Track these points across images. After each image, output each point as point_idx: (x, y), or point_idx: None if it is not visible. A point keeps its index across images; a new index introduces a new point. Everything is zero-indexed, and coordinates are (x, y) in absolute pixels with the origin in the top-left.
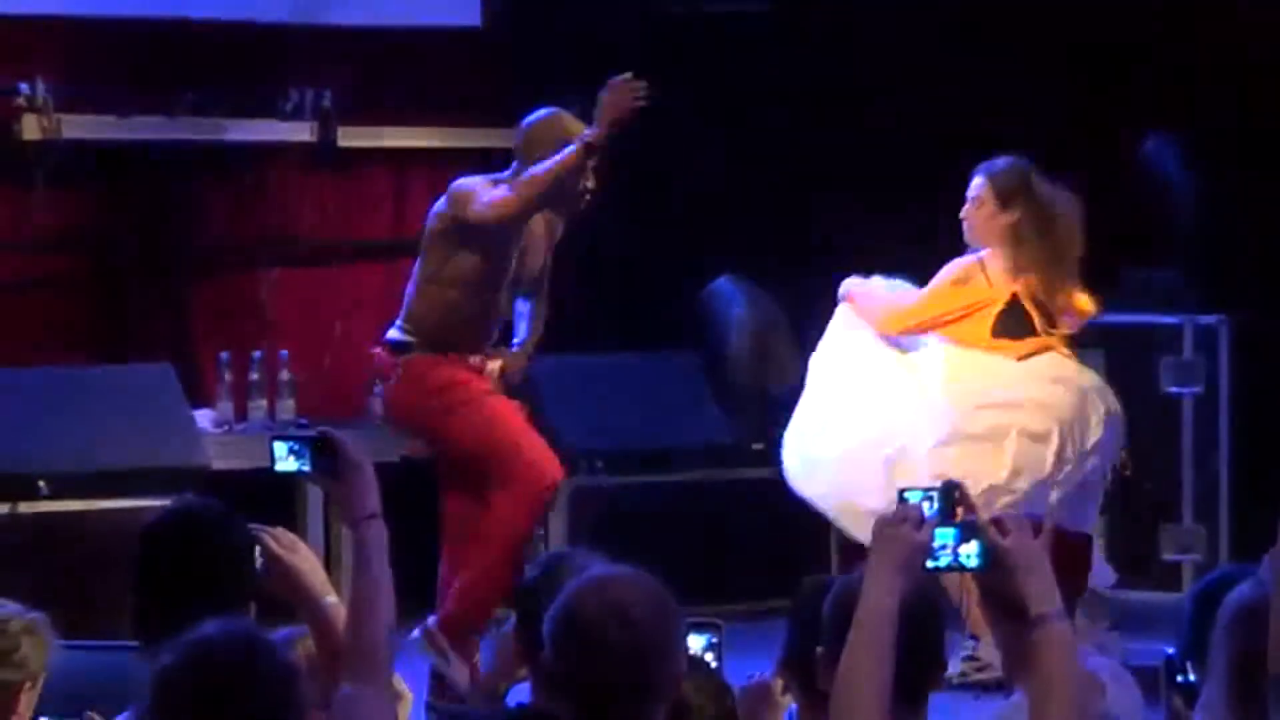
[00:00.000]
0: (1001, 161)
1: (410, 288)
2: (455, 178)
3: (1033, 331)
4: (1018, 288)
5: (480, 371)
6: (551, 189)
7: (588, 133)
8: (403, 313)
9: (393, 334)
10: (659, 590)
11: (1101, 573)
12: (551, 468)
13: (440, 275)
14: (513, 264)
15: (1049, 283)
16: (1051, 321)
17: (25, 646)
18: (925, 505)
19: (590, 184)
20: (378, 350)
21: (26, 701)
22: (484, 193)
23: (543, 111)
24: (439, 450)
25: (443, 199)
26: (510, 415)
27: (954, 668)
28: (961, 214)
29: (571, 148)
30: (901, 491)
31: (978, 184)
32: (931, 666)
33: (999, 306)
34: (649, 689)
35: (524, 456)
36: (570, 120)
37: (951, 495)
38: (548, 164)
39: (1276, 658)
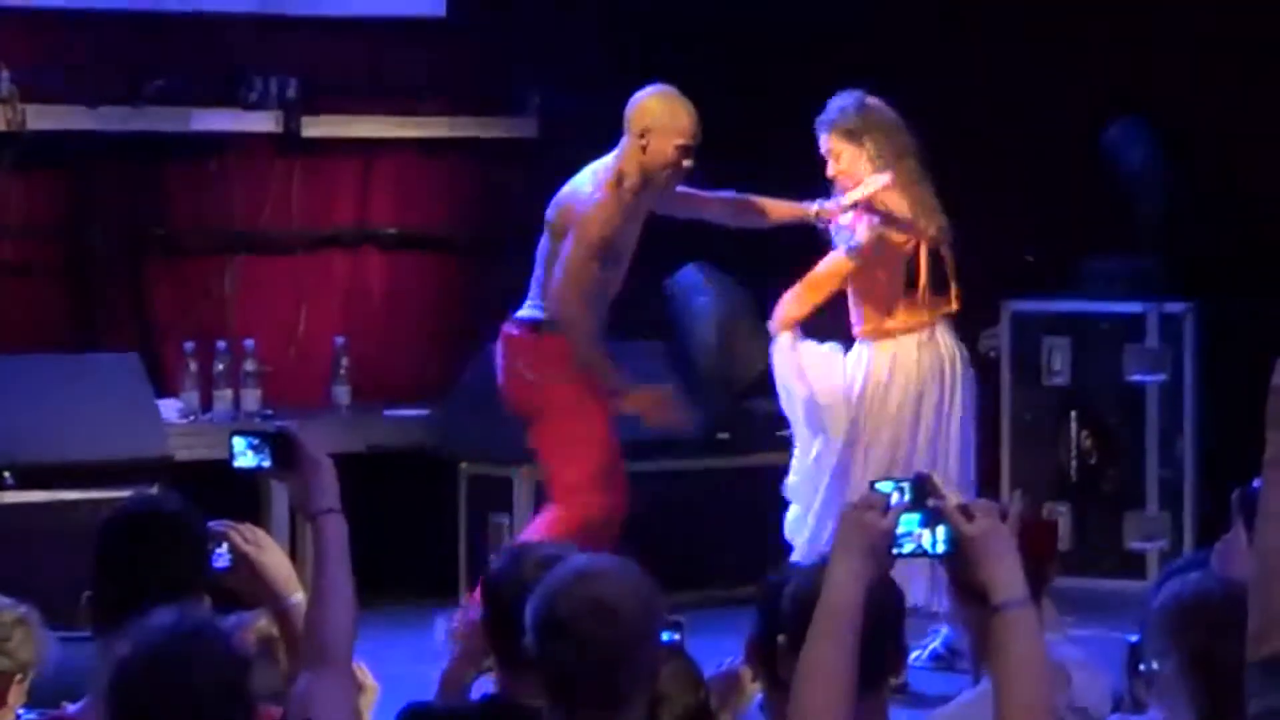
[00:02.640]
0: (832, 105)
1: (539, 270)
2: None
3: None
4: (919, 242)
5: None
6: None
7: (616, 389)
8: (536, 291)
9: (528, 312)
10: (642, 581)
11: None
12: (597, 507)
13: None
14: (634, 243)
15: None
16: (936, 290)
17: (16, 637)
18: (895, 496)
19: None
20: (510, 328)
21: (16, 693)
22: (580, 256)
23: (649, 94)
24: (530, 429)
25: (563, 207)
26: (598, 440)
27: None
28: (828, 174)
29: (612, 383)
30: (873, 483)
31: (823, 139)
32: (891, 657)
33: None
34: (630, 681)
35: (584, 487)
36: (664, 108)
37: (923, 487)
38: (599, 361)
39: (1255, 645)
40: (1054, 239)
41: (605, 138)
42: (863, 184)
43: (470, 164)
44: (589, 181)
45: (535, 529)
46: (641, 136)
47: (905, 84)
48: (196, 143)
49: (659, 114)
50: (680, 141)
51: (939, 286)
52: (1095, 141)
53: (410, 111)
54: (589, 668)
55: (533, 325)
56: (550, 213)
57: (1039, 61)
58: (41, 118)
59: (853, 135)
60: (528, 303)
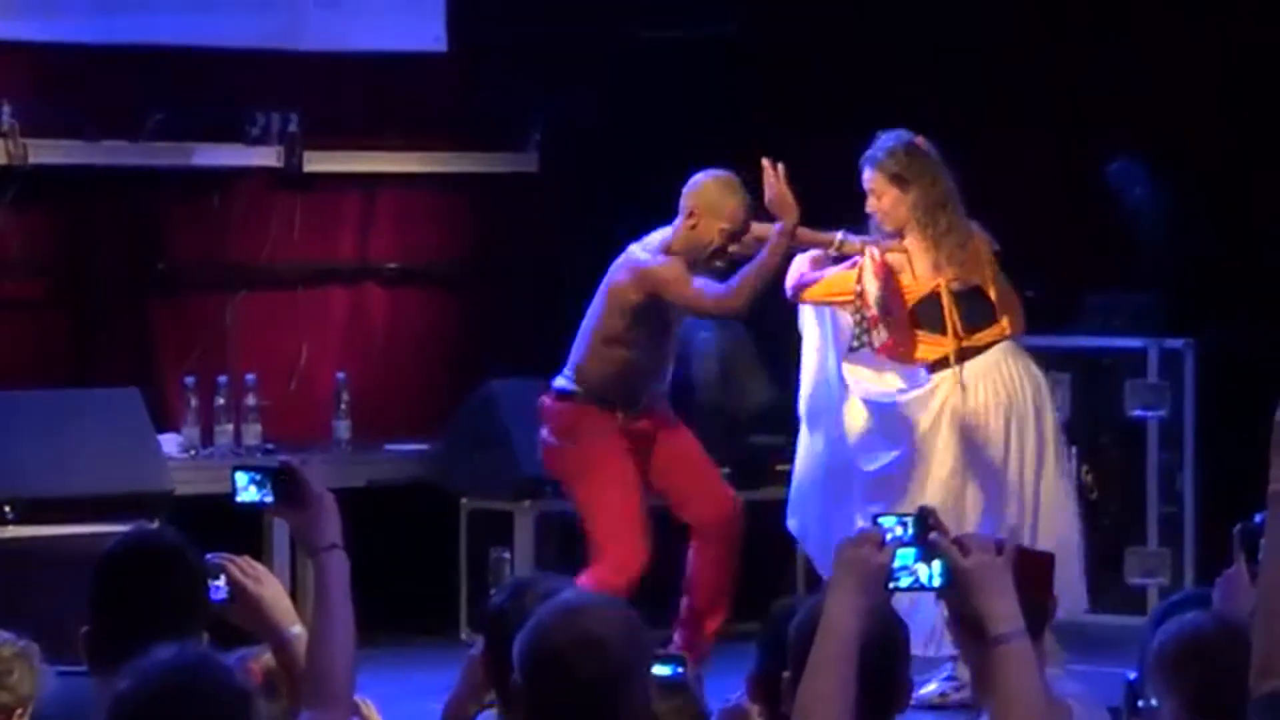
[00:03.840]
0: (882, 143)
1: (580, 342)
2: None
3: (944, 328)
4: (940, 283)
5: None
6: (768, 285)
7: (778, 226)
8: (570, 364)
9: (560, 382)
10: (629, 619)
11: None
12: (626, 572)
13: (616, 337)
14: (678, 322)
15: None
16: (975, 322)
17: (18, 671)
18: (899, 530)
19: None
20: (543, 397)
21: None
22: (694, 283)
23: (706, 177)
24: (566, 492)
25: (627, 271)
26: (622, 500)
27: (938, 689)
28: (868, 209)
29: (770, 245)
30: (875, 517)
31: (868, 175)
32: (895, 690)
33: (919, 296)
34: (621, 714)
35: (610, 550)
36: (716, 193)
37: (925, 521)
38: (760, 265)
39: (1259, 680)
40: (1054, 274)
41: (605, 173)
42: (883, 246)
43: (471, 199)
44: (641, 250)
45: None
46: (691, 216)
47: (902, 119)
48: (198, 178)
49: (710, 198)
50: (725, 227)
51: (974, 316)
52: (1096, 177)
53: (412, 147)
54: (578, 701)
55: (558, 394)
56: (613, 290)
57: (1039, 97)
58: (42, 152)
59: (898, 180)
60: (562, 372)
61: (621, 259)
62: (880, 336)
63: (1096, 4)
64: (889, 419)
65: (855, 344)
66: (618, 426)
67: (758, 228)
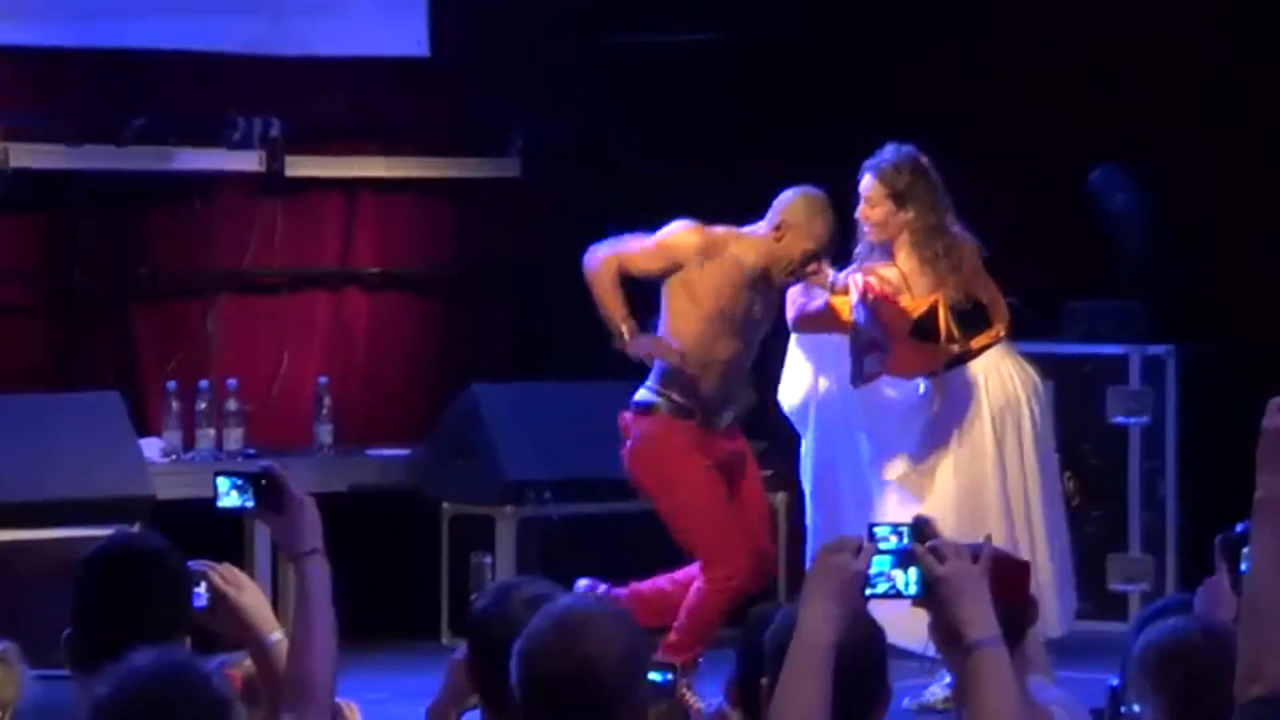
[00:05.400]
0: (888, 154)
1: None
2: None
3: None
4: (938, 297)
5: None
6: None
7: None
8: (653, 374)
9: (642, 395)
10: (626, 627)
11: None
12: (732, 566)
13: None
14: (749, 322)
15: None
16: (972, 327)
17: None
18: (893, 540)
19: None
20: (625, 412)
21: None
22: (638, 244)
23: (800, 193)
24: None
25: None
26: (706, 507)
27: (939, 693)
28: (857, 214)
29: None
30: (871, 527)
31: (867, 182)
32: (874, 696)
33: (919, 312)
34: None
35: (705, 553)
36: (807, 211)
37: (922, 531)
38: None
39: (1244, 686)
40: (1036, 281)
41: (589, 178)
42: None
43: (454, 204)
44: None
45: (688, 600)
46: (778, 229)
47: (888, 130)
48: (180, 182)
49: (801, 215)
50: (810, 247)
51: (973, 325)
52: (1078, 185)
53: (394, 152)
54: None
55: (637, 407)
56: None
57: (1021, 105)
58: (23, 157)
59: (896, 198)
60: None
61: None
62: (871, 367)
63: (1081, 9)
64: (891, 423)
65: (854, 378)
66: (698, 439)
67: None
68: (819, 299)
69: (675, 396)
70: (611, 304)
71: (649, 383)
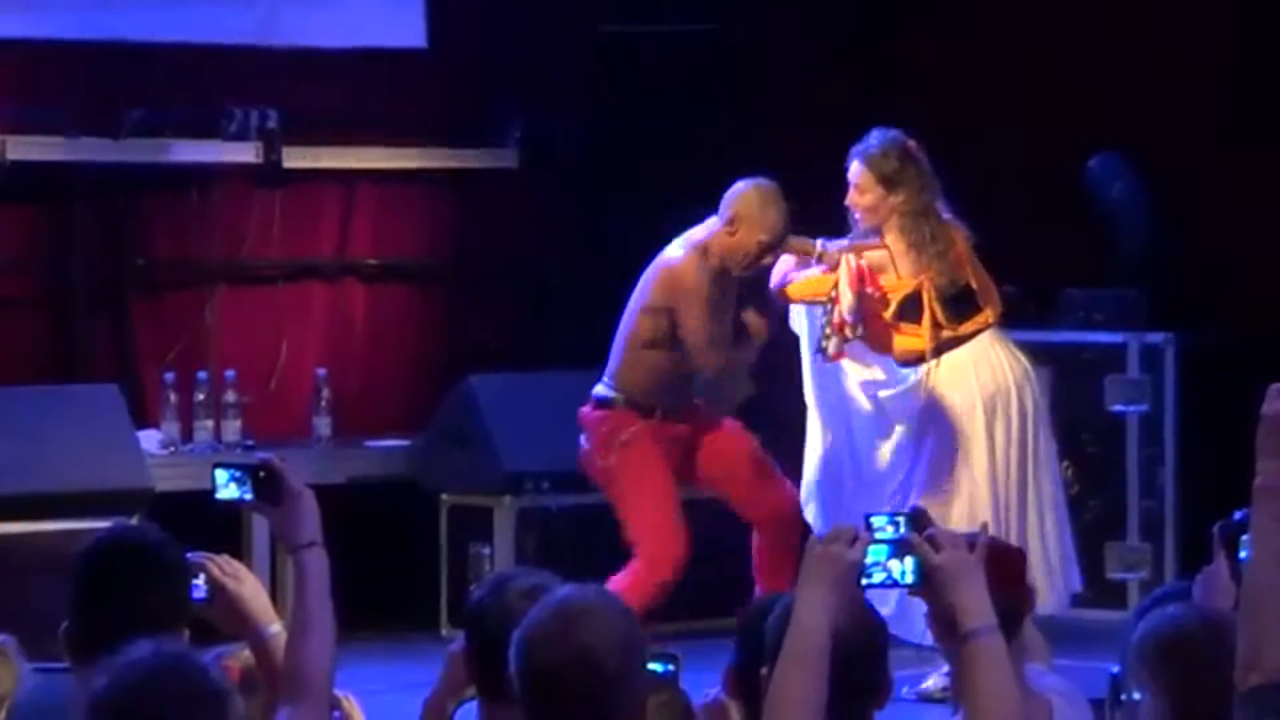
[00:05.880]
0: (875, 140)
1: (616, 349)
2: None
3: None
4: (923, 280)
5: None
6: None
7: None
8: (608, 371)
9: (599, 390)
10: (623, 622)
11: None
12: (665, 566)
13: (648, 340)
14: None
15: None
16: (961, 312)
17: None
18: (889, 530)
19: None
20: (584, 406)
21: None
22: (698, 315)
23: (751, 185)
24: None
25: (654, 269)
26: (656, 502)
27: (937, 683)
28: (847, 201)
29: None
30: (868, 517)
31: (855, 169)
32: (873, 686)
33: (903, 295)
34: (616, 715)
35: (646, 547)
36: (759, 202)
37: (919, 521)
38: (702, 351)
39: (1243, 674)
40: (1034, 270)
41: (586, 168)
42: (861, 247)
43: (451, 195)
44: (675, 246)
45: (617, 580)
46: (731, 223)
47: (883, 117)
48: (177, 174)
49: (753, 206)
50: (764, 239)
51: (961, 310)
52: (1076, 173)
53: (391, 143)
54: (574, 709)
55: (595, 401)
56: (643, 291)
57: (1019, 94)
58: (21, 149)
59: (885, 182)
60: (602, 379)
61: (656, 261)
62: (836, 345)
63: (1076, 1)
64: (882, 409)
65: (822, 344)
66: (653, 432)
67: (795, 241)
68: (807, 271)
69: (632, 393)
70: (799, 247)
71: (606, 377)
